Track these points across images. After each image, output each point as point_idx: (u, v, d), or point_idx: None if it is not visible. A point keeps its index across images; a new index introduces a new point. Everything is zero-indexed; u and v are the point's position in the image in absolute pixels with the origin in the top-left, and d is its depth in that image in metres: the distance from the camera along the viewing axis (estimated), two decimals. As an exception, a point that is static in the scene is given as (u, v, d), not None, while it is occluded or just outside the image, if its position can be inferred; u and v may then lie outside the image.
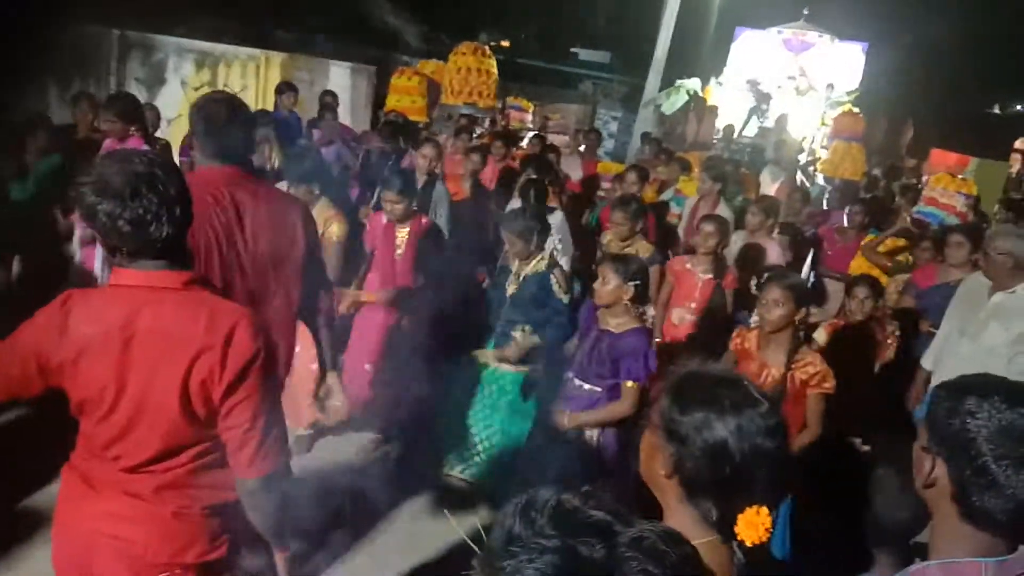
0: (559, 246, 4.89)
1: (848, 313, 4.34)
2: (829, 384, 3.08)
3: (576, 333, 3.87)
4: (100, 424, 1.70)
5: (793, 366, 3.09)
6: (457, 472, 3.95)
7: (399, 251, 4.19)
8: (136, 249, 1.64)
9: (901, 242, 5.69)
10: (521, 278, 3.87)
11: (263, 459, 1.72)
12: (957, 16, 17.65)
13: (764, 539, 1.17)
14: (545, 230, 3.95)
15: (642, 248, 4.62)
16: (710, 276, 4.48)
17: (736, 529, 1.19)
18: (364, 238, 4.35)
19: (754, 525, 1.17)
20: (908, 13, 16.46)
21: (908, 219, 5.91)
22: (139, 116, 4.49)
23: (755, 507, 1.19)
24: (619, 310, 3.21)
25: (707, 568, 1.17)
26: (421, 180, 5.39)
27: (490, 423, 3.91)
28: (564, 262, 4.81)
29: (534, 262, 3.85)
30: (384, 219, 4.23)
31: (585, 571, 0.77)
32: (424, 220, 4.29)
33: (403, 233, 4.18)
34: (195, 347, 1.63)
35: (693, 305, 4.51)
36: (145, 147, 4.34)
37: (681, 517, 1.27)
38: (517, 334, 3.82)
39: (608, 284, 3.17)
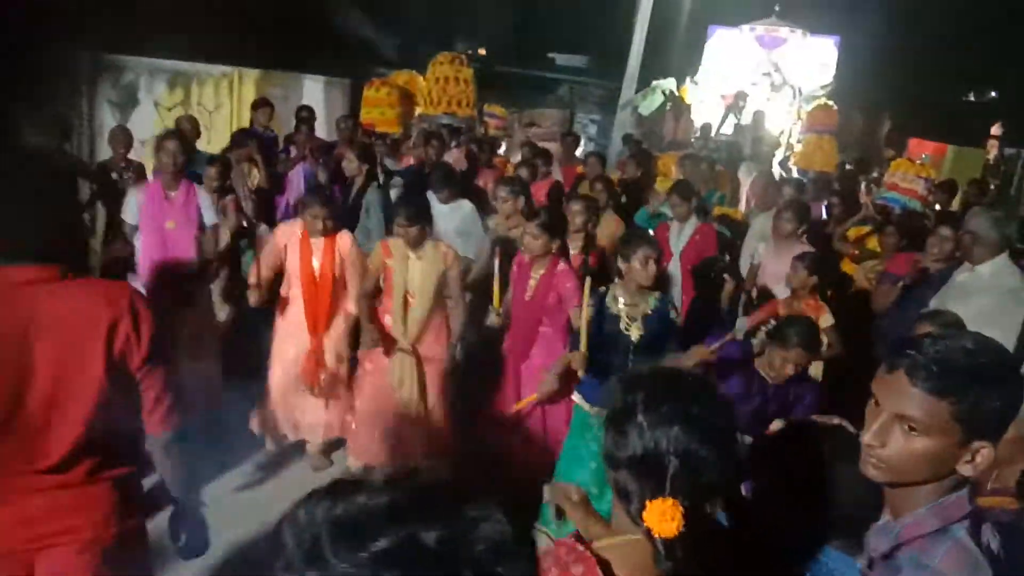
0: None
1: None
2: None
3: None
4: (13, 431, 1.71)
5: None
6: (548, 529, 3.61)
7: (528, 294, 3.92)
8: (10, 248, 1.70)
9: (865, 229, 5.75)
10: (640, 318, 3.47)
11: (172, 415, 1.90)
12: (926, 6, 17.80)
13: (675, 532, 1.14)
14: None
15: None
16: (577, 252, 4.56)
17: (644, 517, 1.17)
18: (511, 277, 4.15)
19: (663, 516, 1.14)
20: (879, 4, 16.58)
21: (870, 206, 5.98)
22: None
23: (665, 498, 1.16)
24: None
25: (632, 565, 1.21)
26: (356, 186, 5.53)
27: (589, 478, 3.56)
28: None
29: (643, 301, 3.48)
30: (526, 258, 3.96)
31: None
32: (561, 266, 3.89)
33: (537, 274, 3.91)
34: (106, 322, 1.72)
35: None
36: (198, 186, 4.36)
37: (616, 514, 1.29)
38: None
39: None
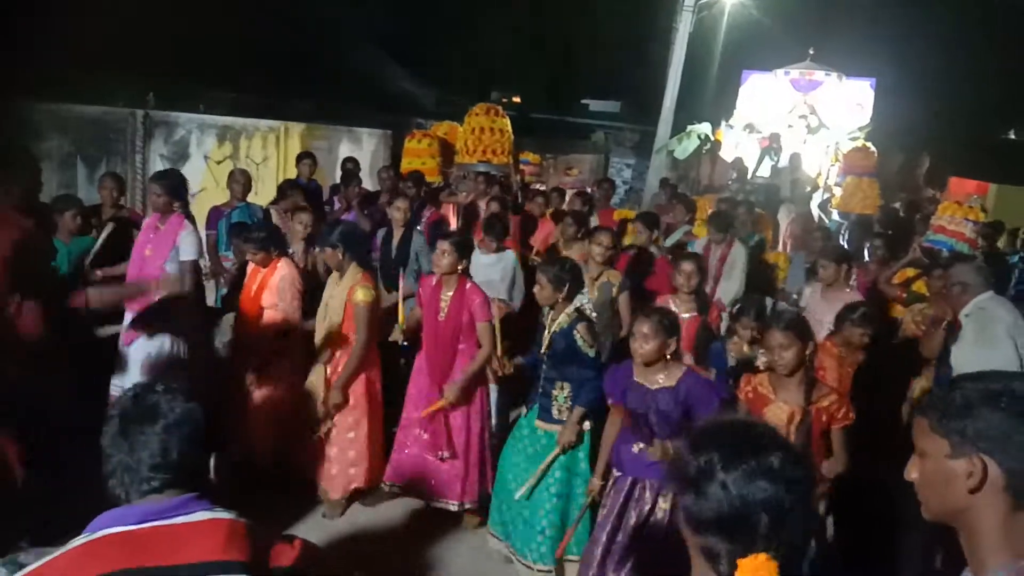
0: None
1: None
2: (851, 416, 3.16)
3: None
4: None
5: (814, 403, 3.14)
6: (497, 531, 3.90)
7: (441, 315, 4.09)
8: None
9: (912, 272, 5.67)
10: (550, 333, 3.74)
11: None
12: (964, 45, 17.75)
13: None
14: (578, 284, 3.83)
15: (611, 275, 4.86)
16: (694, 314, 4.47)
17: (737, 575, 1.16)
18: (417, 301, 4.34)
19: (757, 572, 1.13)
20: (914, 46, 16.60)
21: (918, 249, 5.90)
22: (183, 193, 4.71)
23: (757, 555, 1.15)
24: (661, 366, 3.17)
25: None
26: (398, 233, 5.54)
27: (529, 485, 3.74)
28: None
29: (560, 317, 3.72)
30: (433, 281, 4.18)
31: None
32: (469, 284, 4.11)
33: (447, 296, 4.07)
34: None
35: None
36: (187, 223, 4.49)
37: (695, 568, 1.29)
38: (556, 392, 3.73)
39: (650, 343, 3.11)
